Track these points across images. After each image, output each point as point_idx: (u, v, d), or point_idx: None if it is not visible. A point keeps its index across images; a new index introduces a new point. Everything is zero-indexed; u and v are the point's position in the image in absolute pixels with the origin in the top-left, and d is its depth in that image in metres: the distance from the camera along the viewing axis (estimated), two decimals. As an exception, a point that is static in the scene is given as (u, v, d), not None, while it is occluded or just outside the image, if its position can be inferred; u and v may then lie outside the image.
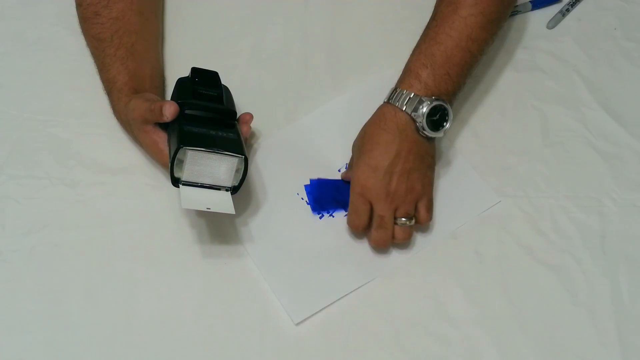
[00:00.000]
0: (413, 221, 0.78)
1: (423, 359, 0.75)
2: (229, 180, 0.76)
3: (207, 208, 0.74)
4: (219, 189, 0.76)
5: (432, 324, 0.76)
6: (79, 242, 0.79)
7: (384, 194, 0.76)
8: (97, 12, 0.85)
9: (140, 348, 0.74)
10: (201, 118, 0.77)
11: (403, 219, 0.77)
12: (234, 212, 0.75)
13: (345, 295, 0.77)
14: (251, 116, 0.82)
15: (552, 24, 0.97)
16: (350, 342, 0.75)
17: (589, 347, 0.75)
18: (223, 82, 0.83)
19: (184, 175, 0.74)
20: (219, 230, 0.81)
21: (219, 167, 0.74)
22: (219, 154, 0.74)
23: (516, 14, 0.97)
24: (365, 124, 0.80)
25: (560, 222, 0.83)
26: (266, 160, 0.85)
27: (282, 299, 0.76)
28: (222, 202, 0.75)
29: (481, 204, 0.83)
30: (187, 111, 0.77)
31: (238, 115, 0.82)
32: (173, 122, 0.76)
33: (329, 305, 0.77)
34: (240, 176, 0.76)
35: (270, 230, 0.81)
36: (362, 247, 0.80)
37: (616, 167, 0.86)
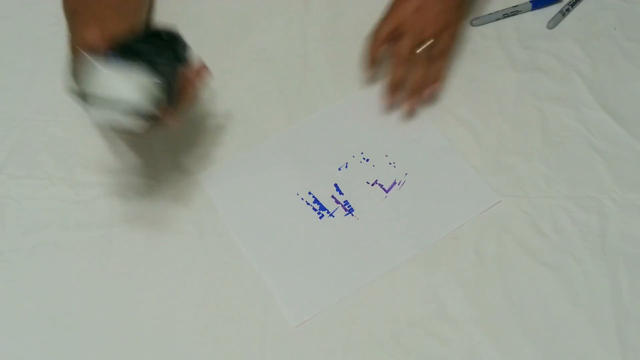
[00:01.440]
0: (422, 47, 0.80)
1: (423, 359, 0.75)
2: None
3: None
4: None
5: (432, 324, 0.76)
6: (79, 242, 0.79)
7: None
8: None
9: (140, 348, 0.74)
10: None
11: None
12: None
13: (346, 296, 0.77)
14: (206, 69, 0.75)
15: (552, 24, 0.97)
16: (350, 342, 0.75)
17: (589, 347, 0.75)
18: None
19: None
20: (219, 230, 0.81)
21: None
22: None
23: (516, 13, 0.97)
24: None
25: (560, 222, 0.83)
26: (266, 161, 0.85)
27: (281, 301, 0.76)
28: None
29: (481, 203, 0.83)
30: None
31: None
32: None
33: (328, 307, 0.77)
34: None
35: (271, 232, 0.81)
36: (363, 247, 0.80)
37: (616, 167, 0.86)
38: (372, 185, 0.84)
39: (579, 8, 0.98)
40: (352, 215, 0.82)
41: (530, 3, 0.98)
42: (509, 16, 0.97)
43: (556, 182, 0.85)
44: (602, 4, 0.99)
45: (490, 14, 0.97)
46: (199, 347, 0.74)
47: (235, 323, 0.76)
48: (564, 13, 0.97)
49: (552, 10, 0.98)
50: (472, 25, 0.96)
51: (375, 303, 0.77)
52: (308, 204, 0.82)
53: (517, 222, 0.82)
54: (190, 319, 0.76)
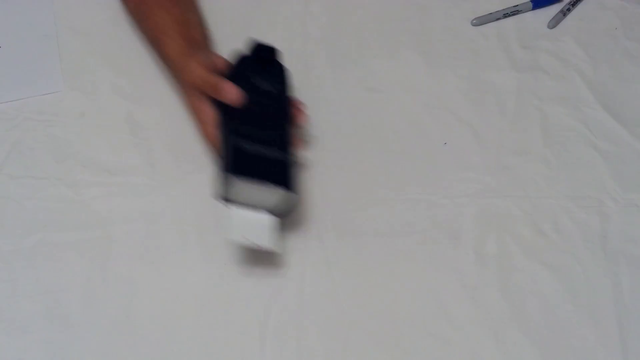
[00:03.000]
0: None
1: (423, 359, 0.74)
2: (275, 211, 0.73)
3: (255, 243, 0.72)
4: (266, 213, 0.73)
5: (432, 324, 0.76)
6: (79, 242, 0.79)
7: None
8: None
9: (140, 348, 0.74)
10: (255, 121, 0.74)
11: None
12: (279, 252, 0.73)
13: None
14: (304, 115, 0.77)
15: (553, 23, 0.97)
16: (350, 342, 0.75)
17: (590, 348, 0.75)
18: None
19: (231, 198, 0.71)
20: (218, 230, 0.81)
21: (267, 197, 0.72)
22: (269, 187, 0.71)
23: (517, 13, 0.97)
24: None
25: (561, 222, 0.83)
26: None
27: None
28: (268, 235, 0.73)
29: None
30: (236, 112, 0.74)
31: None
32: (223, 110, 0.74)
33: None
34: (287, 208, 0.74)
35: None
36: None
37: (617, 167, 0.86)
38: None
39: (579, 8, 0.98)
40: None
41: (530, 2, 0.98)
42: (509, 16, 0.97)
43: (557, 182, 0.85)
44: (603, 3, 0.99)
45: (490, 13, 0.97)
46: (199, 347, 0.74)
47: (235, 323, 0.76)
48: (564, 13, 0.97)
49: (553, 9, 0.98)
50: (473, 25, 0.96)
51: (375, 303, 0.77)
52: None
53: (517, 222, 0.82)
54: (190, 319, 0.76)
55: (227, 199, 0.72)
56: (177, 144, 0.86)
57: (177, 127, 0.87)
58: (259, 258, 0.79)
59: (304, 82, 0.91)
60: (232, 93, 0.75)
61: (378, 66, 0.92)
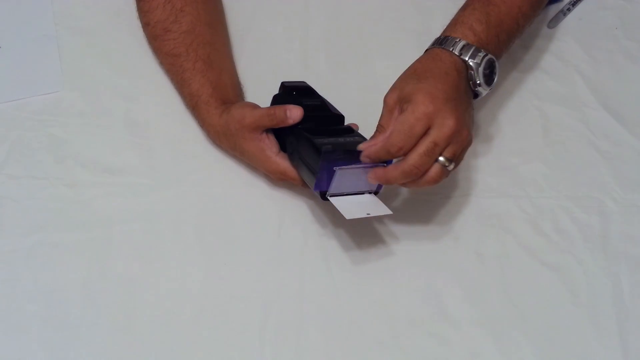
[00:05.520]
0: (452, 166, 0.71)
1: (423, 359, 0.74)
2: (372, 186, 0.76)
3: (367, 214, 0.74)
4: (363, 193, 0.76)
5: (432, 324, 0.76)
6: (79, 242, 0.79)
7: (451, 118, 0.69)
8: (167, 29, 0.85)
9: (140, 348, 0.74)
10: (320, 130, 0.76)
11: (444, 159, 0.70)
12: (391, 212, 0.74)
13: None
14: (357, 126, 0.79)
15: (553, 23, 0.97)
16: (350, 342, 0.75)
17: (590, 348, 0.75)
18: None
19: (331, 189, 0.74)
20: (219, 230, 0.81)
21: (363, 177, 0.74)
22: (364, 168, 0.73)
23: (517, 13, 0.97)
24: (412, 66, 0.74)
25: (561, 222, 0.82)
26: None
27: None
28: (375, 205, 0.75)
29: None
30: (299, 127, 0.77)
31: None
32: (289, 133, 0.77)
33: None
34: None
35: None
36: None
37: (617, 167, 0.86)
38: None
39: (580, 8, 0.98)
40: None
41: (531, 3, 0.97)
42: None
43: (557, 182, 0.85)
44: (603, 3, 0.99)
45: (490, 13, 0.96)
46: (199, 347, 0.74)
47: (235, 323, 0.76)
48: (564, 13, 0.97)
49: (553, 9, 0.98)
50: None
51: (375, 303, 0.77)
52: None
53: (517, 222, 0.82)
54: (189, 319, 0.76)
55: (328, 193, 0.75)
56: (177, 144, 0.86)
57: (177, 127, 0.87)
58: (259, 257, 0.79)
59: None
60: (294, 110, 0.76)
61: (378, 66, 0.92)
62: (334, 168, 0.73)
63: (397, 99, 0.72)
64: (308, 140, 0.75)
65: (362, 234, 0.81)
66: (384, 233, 0.81)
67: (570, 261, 0.80)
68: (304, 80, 0.83)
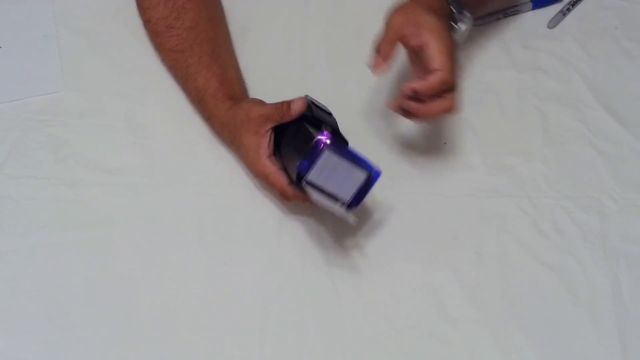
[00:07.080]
0: None
1: (423, 359, 0.74)
2: (348, 194, 0.72)
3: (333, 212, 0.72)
4: (336, 201, 0.72)
5: (432, 324, 0.76)
6: (79, 242, 0.79)
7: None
8: (169, 25, 0.85)
9: (140, 348, 0.74)
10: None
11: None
12: (352, 224, 0.75)
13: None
14: None
15: (553, 23, 0.97)
16: (350, 342, 0.75)
17: (590, 348, 0.75)
18: None
19: (310, 175, 0.71)
20: (219, 230, 0.81)
21: (347, 179, 0.71)
22: (351, 166, 0.71)
23: (516, 13, 0.97)
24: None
25: (560, 222, 0.83)
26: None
27: None
28: (340, 213, 0.73)
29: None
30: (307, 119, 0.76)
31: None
32: (293, 128, 0.76)
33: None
34: (359, 194, 0.72)
35: None
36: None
37: (617, 167, 0.86)
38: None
39: (579, 8, 0.98)
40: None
41: (530, 3, 0.97)
42: (509, 16, 0.97)
43: (557, 182, 0.85)
44: (602, 3, 0.98)
45: (490, 13, 0.97)
46: (199, 347, 0.74)
47: (235, 323, 0.76)
48: (564, 13, 0.97)
49: (553, 9, 0.98)
50: (473, 24, 0.96)
51: (375, 303, 0.77)
52: None
53: (517, 222, 0.82)
54: (189, 319, 0.76)
55: (306, 177, 0.71)
56: (177, 144, 0.86)
57: (177, 127, 0.87)
58: (259, 257, 0.79)
59: (304, 82, 0.91)
60: (298, 102, 0.76)
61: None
62: (323, 146, 0.70)
63: (403, 23, 0.76)
64: (309, 126, 0.74)
65: (362, 234, 0.81)
66: (384, 233, 0.81)
67: (570, 261, 0.80)
68: (307, 94, 0.81)
